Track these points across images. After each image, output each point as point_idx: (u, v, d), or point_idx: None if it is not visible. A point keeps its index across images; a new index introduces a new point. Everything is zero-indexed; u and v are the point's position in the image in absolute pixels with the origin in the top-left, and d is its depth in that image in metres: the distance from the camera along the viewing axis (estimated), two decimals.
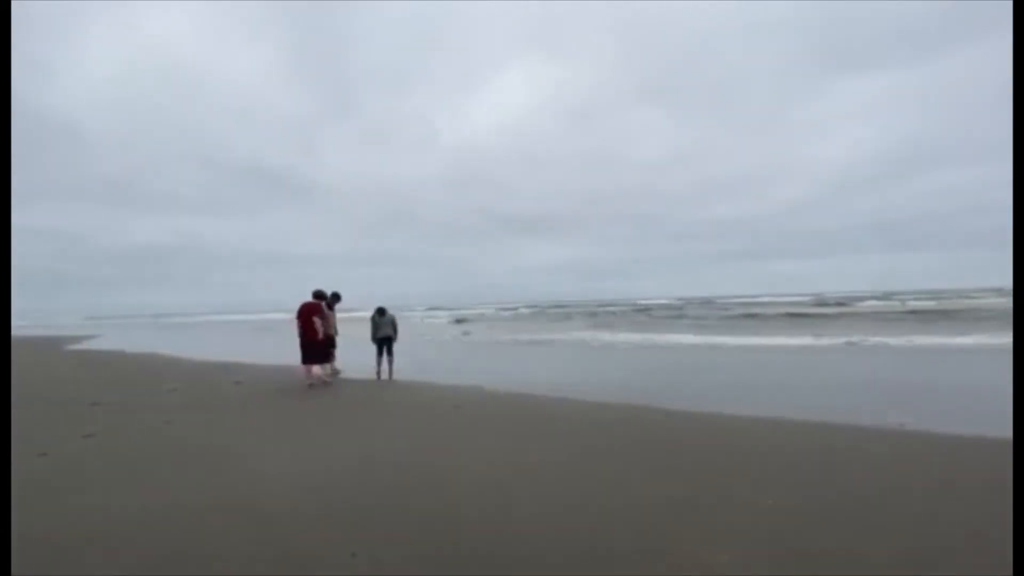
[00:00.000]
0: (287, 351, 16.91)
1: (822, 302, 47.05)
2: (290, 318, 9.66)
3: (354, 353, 11.02)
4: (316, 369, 9.04)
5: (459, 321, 37.66)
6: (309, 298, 9.24)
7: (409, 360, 11.19)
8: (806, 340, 15.73)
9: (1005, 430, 4.55)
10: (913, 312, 29.00)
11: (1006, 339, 13.00)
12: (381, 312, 10.06)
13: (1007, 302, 28.95)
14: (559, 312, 47.39)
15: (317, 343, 9.00)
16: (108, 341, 24.45)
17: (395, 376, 9.62)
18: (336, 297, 9.79)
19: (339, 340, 9.80)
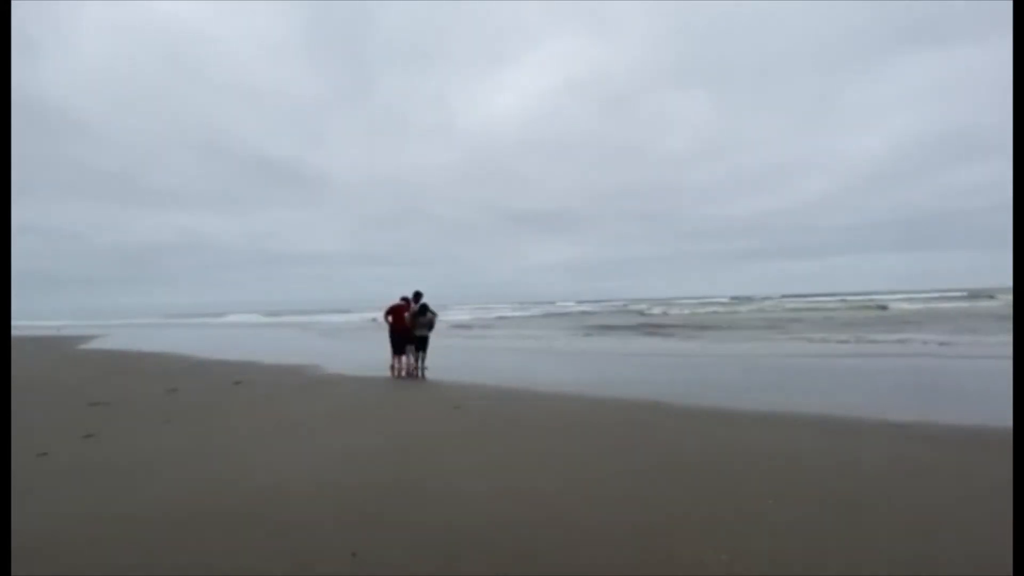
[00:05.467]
0: (287, 351, 17.00)
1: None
2: (380, 316, 10.87)
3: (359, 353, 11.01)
4: (401, 361, 10.05)
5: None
6: (396, 300, 10.33)
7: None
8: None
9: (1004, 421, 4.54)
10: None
11: None
12: (423, 311, 10.21)
13: None
14: (559, 314, 47.37)
15: (406, 336, 10.07)
16: (108, 341, 24.45)
17: (411, 375, 9.88)
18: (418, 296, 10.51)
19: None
